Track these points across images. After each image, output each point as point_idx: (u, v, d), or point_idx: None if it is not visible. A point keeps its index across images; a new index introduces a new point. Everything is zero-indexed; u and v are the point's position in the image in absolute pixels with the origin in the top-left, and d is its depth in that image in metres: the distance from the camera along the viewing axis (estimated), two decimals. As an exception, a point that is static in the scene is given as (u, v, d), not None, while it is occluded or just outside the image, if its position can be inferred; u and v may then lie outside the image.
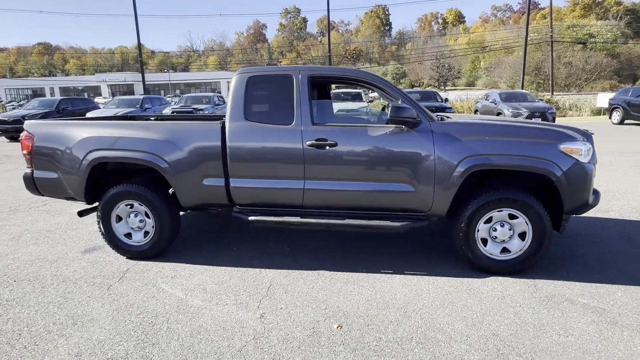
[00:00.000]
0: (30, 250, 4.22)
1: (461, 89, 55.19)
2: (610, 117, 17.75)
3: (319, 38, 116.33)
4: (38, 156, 3.95)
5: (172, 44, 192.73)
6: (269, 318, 2.88)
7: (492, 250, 3.45)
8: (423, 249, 4.11)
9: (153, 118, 5.59)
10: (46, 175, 3.96)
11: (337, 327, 2.76)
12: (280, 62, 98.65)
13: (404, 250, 4.06)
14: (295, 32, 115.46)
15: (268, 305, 3.06)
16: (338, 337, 2.64)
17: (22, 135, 4.03)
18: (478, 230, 3.42)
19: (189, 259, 3.92)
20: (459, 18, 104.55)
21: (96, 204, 4.02)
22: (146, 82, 61.54)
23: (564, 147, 3.25)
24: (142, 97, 16.24)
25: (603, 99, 21.73)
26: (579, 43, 46.00)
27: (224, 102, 17.96)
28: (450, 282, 3.37)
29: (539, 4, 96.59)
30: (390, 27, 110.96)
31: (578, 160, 3.24)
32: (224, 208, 3.89)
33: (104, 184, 3.98)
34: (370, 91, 21.35)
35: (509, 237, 3.41)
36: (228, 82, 68.48)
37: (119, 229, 3.93)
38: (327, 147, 3.45)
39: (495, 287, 3.25)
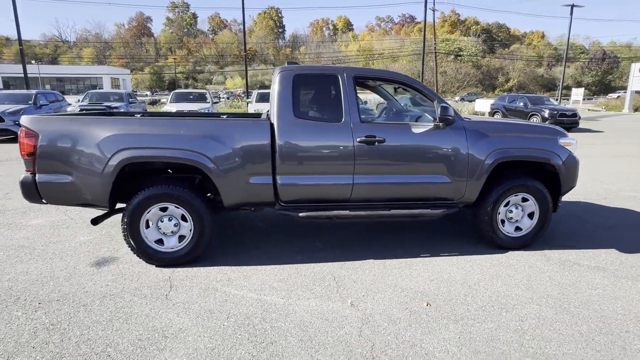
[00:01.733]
0: (25, 269, 3.58)
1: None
2: (492, 120, 21.05)
3: (210, 36, 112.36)
4: (44, 158, 3.39)
5: (34, 31, 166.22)
6: (360, 305, 3.03)
7: (508, 229, 4.08)
8: (435, 234, 4.60)
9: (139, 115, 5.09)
10: (55, 179, 3.43)
11: (427, 305, 3.05)
12: (171, 58, 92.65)
13: (421, 237, 4.50)
14: (184, 28, 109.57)
15: (349, 294, 3.20)
16: (435, 313, 2.93)
17: (21, 133, 3.41)
18: (499, 213, 4.02)
19: (224, 262, 3.77)
20: (348, 25, 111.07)
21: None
22: (4, 75, 52.14)
23: (562, 141, 4.04)
24: (34, 92, 13.98)
25: (481, 104, 25.62)
26: (457, 55, 52.72)
27: (137, 100, 16.44)
28: (481, 259, 3.90)
29: (416, 18, 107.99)
30: (284, 30, 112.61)
31: (571, 152, 4.06)
32: (265, 206, 3.84)
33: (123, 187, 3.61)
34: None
35: (521, 217, 4.08)
36: (113, 77, 61.76)
37: (149, 235, 3.60)
38: (376, 143, 3.70)
39: (519, 260, 3.88)
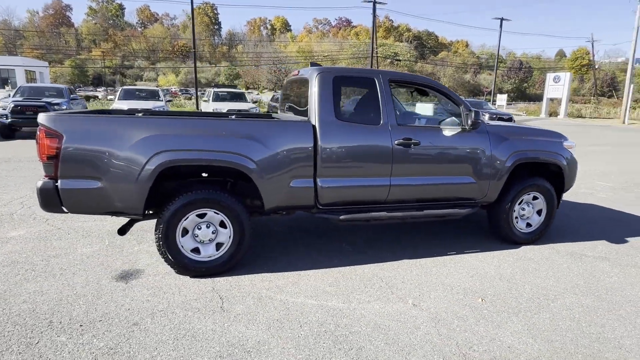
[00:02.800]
0: (37, 288, 3.14)
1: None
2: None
3: (140, 29, 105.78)
4: (69, 161, 3.01)
5: None
6: (422, 305, 3.09)
7: (521, 226, 4.40)
8: (448, 233, 4.81)
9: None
10: (81, 185, 3.06)
11: (481, 300, 3.19)
12: (96, 51, 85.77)
13: (439, 236, 4.69)
14: (110, 20, 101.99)
15: (405, 295, 3.24)
16: (492, 307, 3.08)
17: (40, 134, 2.99)
18: (514, 211, 4.32)
19: (260, 269, 3.63)
20: (286, 26, 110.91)
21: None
22: None
23: (565, 144, 4.45)
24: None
25: (421, 108, 27.06)
26: (396, 60, 55.00)
27: (78, 96, 15.00)
28: (502, 254, 4.16)
29: (352, 22, 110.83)
30: (220, 27, 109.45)
31: (572, 154, 4.48)
32: (303, 210, 3.75)
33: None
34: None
35: (532, 214, 4.42)
36: (27, 70, 55.59)
37: (186, 244, 3.35)
38: (412, 146, 3.79)
39: (535, 254, 4.20)
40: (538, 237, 4.46)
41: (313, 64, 4.32)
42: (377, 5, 33.04)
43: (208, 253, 3.41)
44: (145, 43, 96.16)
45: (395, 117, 3.79)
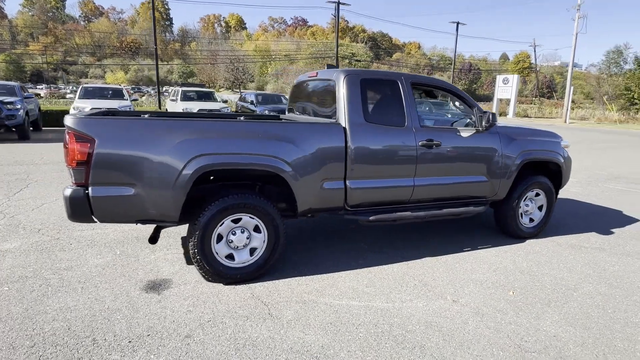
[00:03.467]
0: (63, 304, 2.91)
1: (254, 92, 58.45)
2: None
3: (82, 22, 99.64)
4: (102, 167, 2.82)
5: None
6: (461, 300, 3.21)
7: (525, 221, 4.67)
8: (452, 231, 5.00)
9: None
10: (114, 192, 2.87)
11: (512, 293, 3.36)
12: (34, 45, 79.81)
13: (445, 234, 4.85)
14: (49, 12, 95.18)
15: (442, 291, 3.34)
16: (524, 299, 3.26)
17: (69, 138, 2.77)
18: (520, 207, 4.57)
19: (291, 272, 3.59)
20: (241, 24, 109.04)
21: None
22: None
23: (562, 143, 4.77)
24: None
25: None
26: (356, 60, 55.70)
27: (32, 95, 13.87)
28: (512, 249, 4.39)
29: (308, 22, 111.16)
30: (172, 23, 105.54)
31: (567, 152, 4.81)
32: (332, 211, 3.75)
33: None
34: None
35: (534, 210, 4.70)
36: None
37: (221, 250, 3.25)
38: (434, 147, 3.90)
39: (541, 247, 4.47)
40: (539, 231, 4.75)
41: (330, 66, 4.33)
42: (335, 6, 33.28)
43: (242, 259, 3.33)
44: (90, 38, 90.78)
45: (417, 119, 3.89)
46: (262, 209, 3.27)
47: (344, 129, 3.56)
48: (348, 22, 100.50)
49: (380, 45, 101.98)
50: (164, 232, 4.41)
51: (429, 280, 3.55)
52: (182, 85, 18.01)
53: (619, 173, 9.63)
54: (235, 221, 3.26)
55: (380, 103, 3.83)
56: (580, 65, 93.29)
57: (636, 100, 41.41)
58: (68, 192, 2.82)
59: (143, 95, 44.48)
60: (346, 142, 3.54)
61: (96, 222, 2.96)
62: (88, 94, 13.41)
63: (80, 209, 2.84)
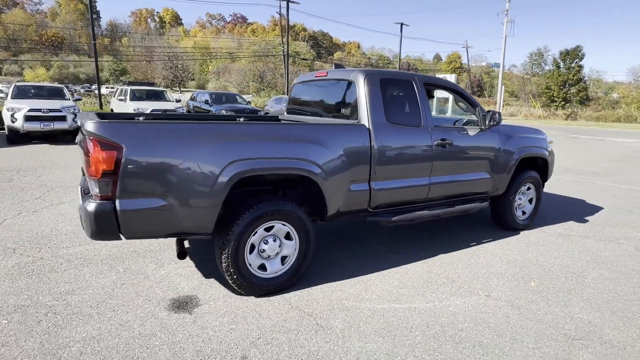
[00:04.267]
0: (87, 334, 2.56)
1: (193, 91, 56.11)
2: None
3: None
4: (131, 177, 2.51)
5: None
6: (493, 295, 3.30)
7: (519, 214, 4.93)
8: (458, 227, 5.16)
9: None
10: (144, 205, 2.58)
11: (533, 283, 3.53)
12: None
13: (447, 232, 4.99)
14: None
15: (472, 287, 3.42)
16: (546, 288, 3.43)
17: (93, 145, 2.42)
18: (515, 201, 4.82)
19: (317, 279, 3.48)
20: (177, 19, 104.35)
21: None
22: None
23: (548, 140, 5.10)
24: None
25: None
26: (303, 59, 55.57)
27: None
28: (512, 240, 4.62)
29: (247, 19, 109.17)
30: (99, 16, 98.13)
31: (552, 148, 5.16)
32: (356, 214, 3.68)
33: None
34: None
35: (525, 203, 4.99)
36: None
37: (254, 261, 3.05)
38: (447, 146, 3.98)
39: (535, 238, 4.75)
40: (531, 222, 5.06)
41: (338, 66, 4.25)
42: (286, 4, 32.99)
43: (274, 268, 3.16)
44: (4, 31, 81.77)
45: (431, 118, 3.94)
46: (295, 214, 3.13)
47: (368, 129, 3.51)
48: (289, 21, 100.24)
49: (321, 44, 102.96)
50: (153, 244, 4.07)
51: (454, 276, 3.62)
52: (130, 84, 16.67)
53: (566, 165, 10.56)
54: (268, 229, 3.09)
55: (398, 103, 3.83)
56: (505, 66, 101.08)
57: (555, 98, 45.84)
58: (92, 207, 2.48)
59: (73, 93, 41.00)
60: (370, 142, 3.49)
61: (122, 239, 2.64)
62: (21, 93, 12.02)
63: (107, 225, 2.51)
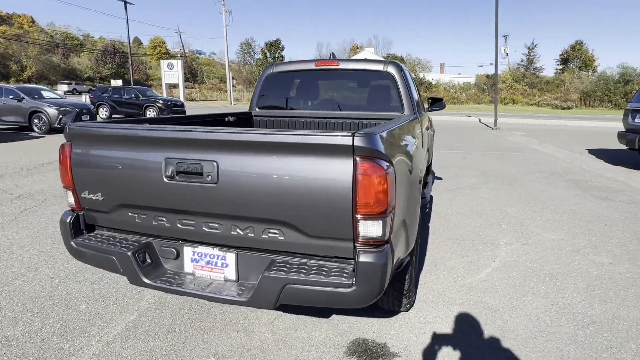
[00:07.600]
0: None
1: None
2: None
3: None
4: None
5: None
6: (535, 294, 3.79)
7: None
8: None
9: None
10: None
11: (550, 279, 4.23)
12: None
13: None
14: None
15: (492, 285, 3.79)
16: (554, 286, 3.83)
17: (368, 167, 1.23)
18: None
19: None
20: None
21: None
22: None
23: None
24: None
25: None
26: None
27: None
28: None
29: None
30: None
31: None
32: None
33: None
34: None
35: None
36: None
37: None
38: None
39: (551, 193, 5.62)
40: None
41: (334, 56, 3.76)
42: None
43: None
44: None
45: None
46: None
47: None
48: None
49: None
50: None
51: (484, 287, 3.90)
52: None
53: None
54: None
55: (410, 93, 3.73)
56: (213, 54, 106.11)
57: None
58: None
59: None
60: None
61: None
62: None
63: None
